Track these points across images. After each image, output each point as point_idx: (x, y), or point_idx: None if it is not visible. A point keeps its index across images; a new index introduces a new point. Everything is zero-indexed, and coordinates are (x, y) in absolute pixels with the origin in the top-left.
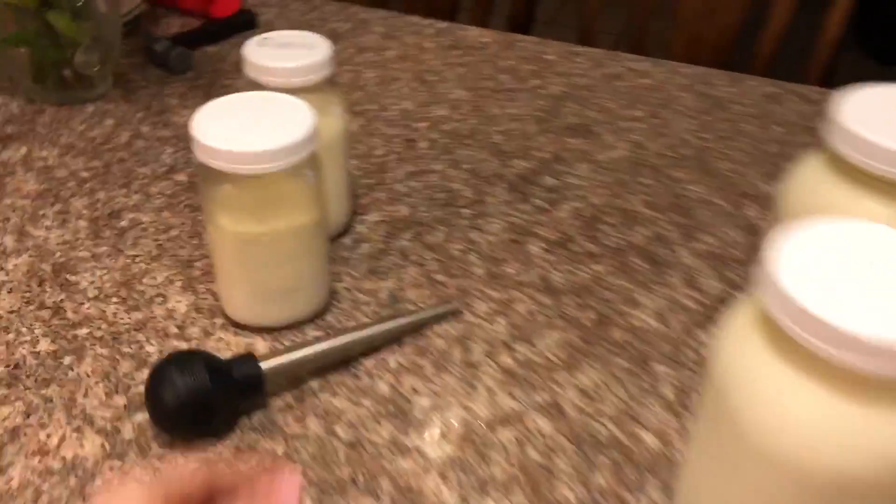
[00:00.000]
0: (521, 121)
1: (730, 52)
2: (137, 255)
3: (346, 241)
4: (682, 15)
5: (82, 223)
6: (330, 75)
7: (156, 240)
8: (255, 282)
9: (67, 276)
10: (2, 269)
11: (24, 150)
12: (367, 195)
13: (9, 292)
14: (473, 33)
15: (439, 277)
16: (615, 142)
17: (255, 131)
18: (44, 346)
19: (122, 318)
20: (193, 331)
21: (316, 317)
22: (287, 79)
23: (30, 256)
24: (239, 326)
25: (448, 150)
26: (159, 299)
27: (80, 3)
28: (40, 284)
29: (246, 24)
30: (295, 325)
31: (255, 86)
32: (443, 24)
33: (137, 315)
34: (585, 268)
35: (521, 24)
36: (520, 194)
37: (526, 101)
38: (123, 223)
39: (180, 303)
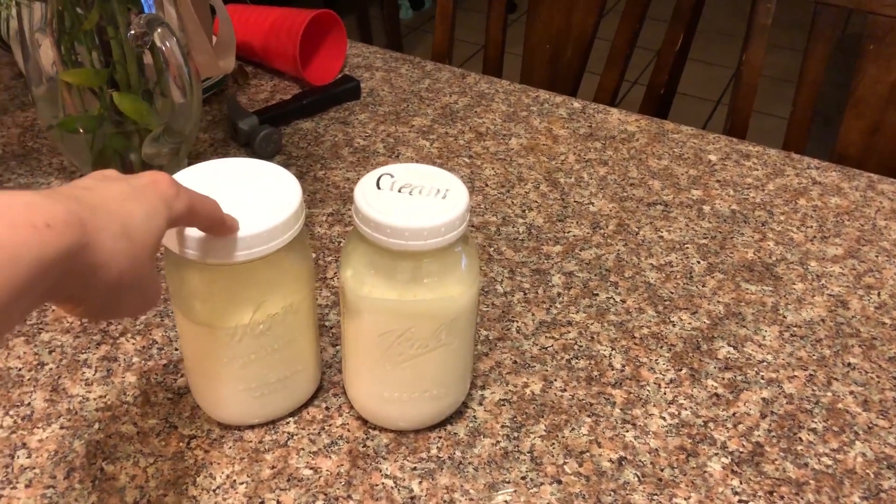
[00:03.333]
0: (683, 251)
1: None
2: None
3: (459, 430)
4: (862, 99)
5: None
6: (465, 231)
7: None
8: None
9: None
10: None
11: None
12: (487, 356)
13: None
14: (615, 117)
15: None
16: (808, 293)
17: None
18: None
19: None
20: None
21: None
22: (411, 240)
23: None
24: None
25: (589, 291)
26: None
27: (152, 85)
28: None
29: (348, 93)
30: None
31: (364, 240)
32: (577, 104)
33: None
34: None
35: (663, 96)
36: (687, 370)
37: (686, 220)
38: None
39: None
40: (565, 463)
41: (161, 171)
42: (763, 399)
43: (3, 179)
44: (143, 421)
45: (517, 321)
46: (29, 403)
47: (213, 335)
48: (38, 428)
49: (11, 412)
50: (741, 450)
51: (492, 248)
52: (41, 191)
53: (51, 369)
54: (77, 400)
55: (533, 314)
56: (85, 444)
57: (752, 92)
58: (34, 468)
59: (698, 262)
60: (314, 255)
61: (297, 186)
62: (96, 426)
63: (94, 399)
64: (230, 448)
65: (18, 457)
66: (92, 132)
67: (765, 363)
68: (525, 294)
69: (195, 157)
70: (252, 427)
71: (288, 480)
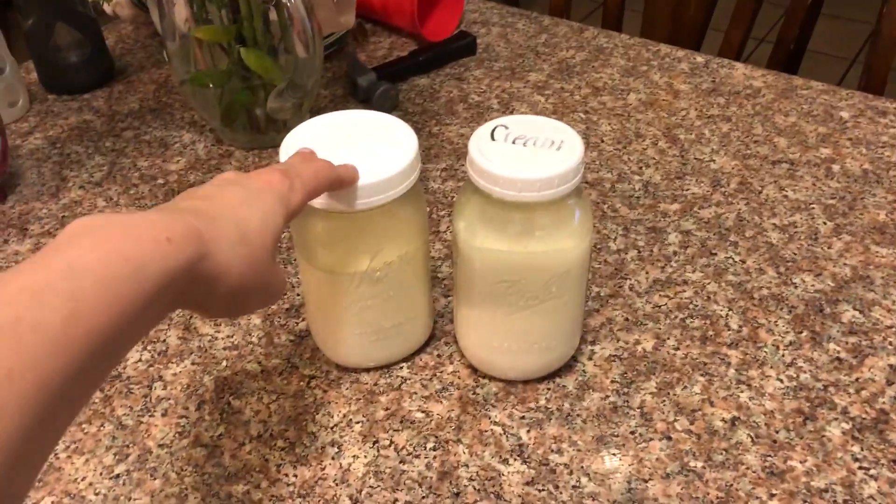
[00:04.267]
0: (808, 211)
1: None
2: None
3: (568, 384)
4: None
5: None
6: (579, 185)
7: None
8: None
9: None
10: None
11: None
12: (598, 312)
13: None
14: (740, 73)
15: (694, 464)
16: None
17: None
18: None
19: None
20: None
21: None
22: (524, 191)
23: None
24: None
25: (707, 250)
26: None
27: (277, 41)
28: None
29: (464, 49)
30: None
31: (477, 191)
32: (700, 58)
33: None
34: None
35: (792, 53)
36: (808, 332)
37: (813, 179)
38: None
39: None
40: (676, 420)
41: (276, 163)
42: (890, 366)
43: (140, 133)
44: (266, 360)
45: (630, 279)
46: (164, 340)
47: (334, 280)
48: (172, 363)
49: (149, 347)
50: (864, 416)
51: (605, 206)
52: (161, 208)
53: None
54: (207, 339)
55: (647, 272)
56: (214, 380)
57: (891, 47)
58: (169, 399)
59: (824, 223)
60: (428, 209)
61: (413, 138)
62: (224, 364)
63: (223, 339)
64: (347, 389)
65: (155, 388)
66: (220, 87)
67: (894, 329)
68: (639, 252)
69: (316, 112)
70: (368, 370)
71: (401, 422)
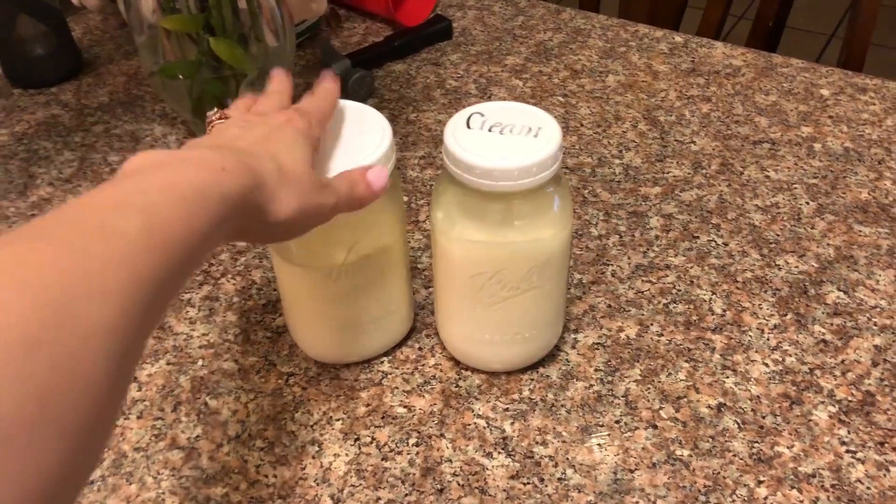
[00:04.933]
0: (790, 192)
1: None
2: None
3: (552, 373)
4: None
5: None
6: (557, 171)
7: None
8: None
9: None
10: None
11: None
12: (580, 300)
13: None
14: (720, 52)
15: (681, 452)
16: None
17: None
18: None
19: None
20: None
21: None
22: (501, 181)
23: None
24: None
25: (689, 234)
26: None
27: (246, 29)
28: None
29: (440, 34)
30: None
31: (454, 181)
32: (679, 38)
33: None
34: None
35: (771, 30)
36: (793, 315)
37: (795, 159)
38: None
39: None
40: (661, 408)
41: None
42: (875, 346)
43: (111, 126)
44: (243, 358)
45: (612, 264)
46: None
47: (309, 276)
48: (146, 363)
49: None
50: (850, 399)
51: (586, 191)
52: (200, 145)
53: None
54: (182, 337)
55: (629, 257)
56: (190, 380)
57: (870, 21)
58: (144, 401)
59: (807, 203)
60: (406, 199)
61: (387, 127)
62: (200, 363)
63: (198, 337)
64: (327, 386)
65: (130, 390)
66: (190, 78)
67: (878, 309)
68: (621, 237)
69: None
70: (347, 366)
71: (382, 418)
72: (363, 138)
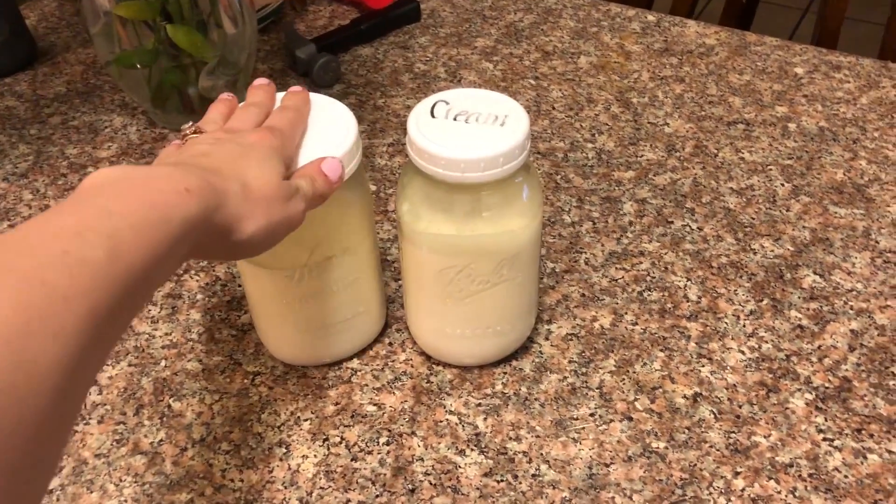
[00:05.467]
0: (765, 173)
1: None
2: None
3: (525, 366)
4: None
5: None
6: (526, 161)
7: None
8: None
9: None
10: None
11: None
12: (553, 289)
13: None
14: (693, 30)
15: (657, 445)
16: None
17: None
18: None
19: None
20: None
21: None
22: (468, 172)
23: None
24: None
25: (663, 219)
26: None
27: (205, 16)
28: None
29: (408, 16)
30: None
31: (419, 172)
32: (652, 17)
33: None
34: (880, 448)
35: (745, 6)
36: (769, 300)
37: (769, 140)
38: None
39: None
40: (636, 399)
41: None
42: (852, 331)
43: (68, 118)
44: (207, 358)
45: (585, 252)
46: None
47: (272, 276)
48: (107, 365)
49: None
50: (827, 385)
51: (559, 176)
52: (167, 162)
53: None
54: (144, 337)
55: (602, 245)
56: (152, 381)
57: None
58: (105, 405)
59: (782, 185)
60: (374, 188)
61: (352, 120)
62: (163, 363)
63: (161, 336)
64: (294, 385)
65: (91, 393)
66: (148, 66)
67: (854, 292)
68: (594, 224)
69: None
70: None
71: (352, 417)
72: (324, 133)
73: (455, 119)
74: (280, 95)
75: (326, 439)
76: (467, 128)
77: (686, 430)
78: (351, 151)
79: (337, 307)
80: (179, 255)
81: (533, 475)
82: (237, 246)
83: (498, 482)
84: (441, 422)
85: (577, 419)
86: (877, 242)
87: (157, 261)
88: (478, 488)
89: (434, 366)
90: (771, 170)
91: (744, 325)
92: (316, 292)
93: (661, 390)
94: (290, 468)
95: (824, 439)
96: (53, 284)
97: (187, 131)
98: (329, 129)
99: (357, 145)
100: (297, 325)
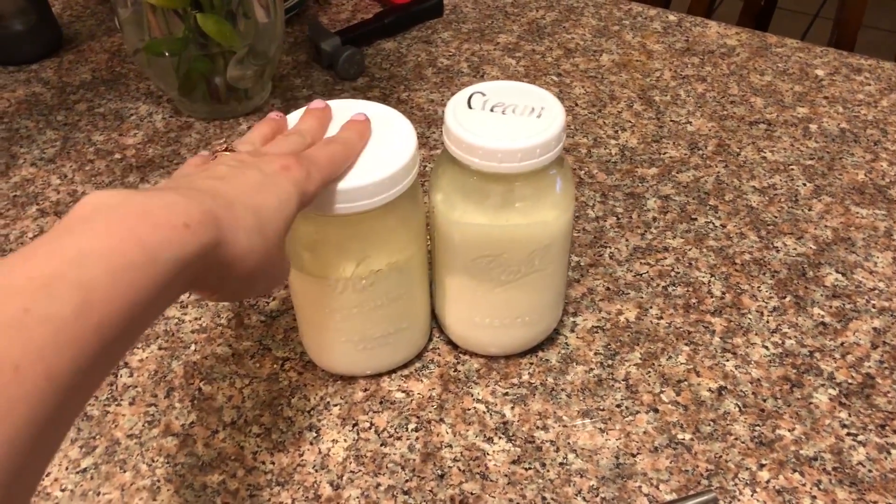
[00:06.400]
0: (787, 173)
1: None
2: None
3: (551, 357)
4: None
5: None
6: (560, 153)
7: None
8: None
9: None
10: None
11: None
12: (579, 283)
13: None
14: (714, 31)
15: (682, 436)
16: None
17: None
18: None
19: None
20: None
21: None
22: (504, 162)
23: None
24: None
25: (687, 215)
26: None
27: (236, 6)
28: None
29: (431, 11)
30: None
31: (453, 163)
32: (673, 17)
33: None
34: None
35: (763, 9)
36: (792, 297)
37: (791, 140)
38: None
39: None
40: (662, 392)
41: (289, 154)
42: (874, 329)
43: (94, 105)
44: (237, 343)
45: (610, 247)
46: None
47: (317, 284)
48: (137, 348)
49: None
50: (850, 381)
51: (582, 172)
52: (178, 185)
53: None
54: (174, 322)
55: (627, 240)
56: (182, 365)
57: (862, 1)
58: (136, 387)
59: (804, 185)
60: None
61: (411, 134)
62: (192, 347)
63: (190, 321)
64: (323, 371)
65: (121, 376)
66: (177, 55)
67: (876, 291)
68: (618, 219)
69: (278, 80)
70: None
71: (380, 403)
72: (382, 146)
73: (492, 110)
74: (343, 104)
75: (356, 424)
76: (504, 119)
77: (711, 423)
78: (407, 166)
79: (379, 321)
80: (170, 296)
81: (560, 463)
82: (233, 282)
83: (526, 469)
84: (469, 409)
85: (603, 410)
86: None
87: (139, 307)
88: (506, 475)
89: (461, 355)
90: (793, 169)
91: (767, 321)
92: (359, 305)
93: (686, 383)
94: (320, 452)
95: (848, 434)
96: (3, 354)
97: (218, 149)
98: (385, 142)
99: (415, 159)
100: (337, 335)
